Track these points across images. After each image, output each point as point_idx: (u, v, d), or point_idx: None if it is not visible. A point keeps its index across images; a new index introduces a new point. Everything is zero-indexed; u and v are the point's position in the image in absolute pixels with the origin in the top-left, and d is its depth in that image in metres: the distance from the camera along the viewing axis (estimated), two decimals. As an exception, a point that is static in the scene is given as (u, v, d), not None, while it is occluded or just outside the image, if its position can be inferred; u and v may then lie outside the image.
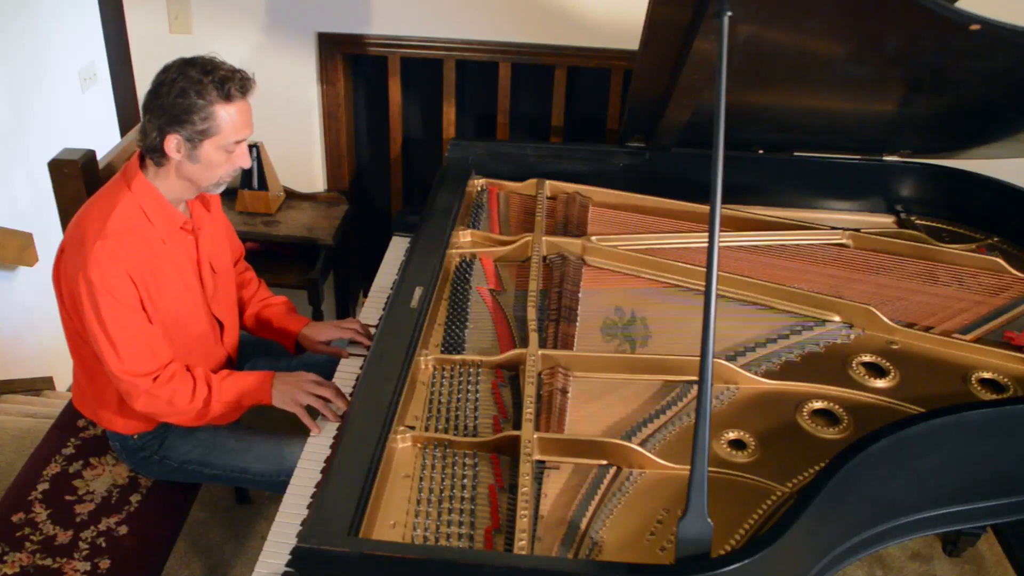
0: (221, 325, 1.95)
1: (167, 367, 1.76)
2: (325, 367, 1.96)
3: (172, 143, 1.66)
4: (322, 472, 1.62)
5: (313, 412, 1.79)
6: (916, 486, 1.62)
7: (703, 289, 1.45)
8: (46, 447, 2.05)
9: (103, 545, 1.83)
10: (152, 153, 1.70)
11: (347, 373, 1.92)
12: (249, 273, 2.16)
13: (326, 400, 1.79)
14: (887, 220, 2.36)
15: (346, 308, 3.19)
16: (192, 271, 1.84)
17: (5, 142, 3.40)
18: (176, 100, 1.63)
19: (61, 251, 1.76)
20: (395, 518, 1.44)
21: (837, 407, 1.69)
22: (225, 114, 1.66)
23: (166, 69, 1.67)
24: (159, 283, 1.75)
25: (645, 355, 1.79)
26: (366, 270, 2.77)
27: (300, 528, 1.46)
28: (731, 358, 1.78)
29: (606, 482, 1.52)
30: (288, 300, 2.14)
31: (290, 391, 1.80)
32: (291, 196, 2.94)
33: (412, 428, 1.59)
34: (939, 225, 2.32)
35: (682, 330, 1.87)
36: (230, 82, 1.65)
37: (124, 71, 2.87)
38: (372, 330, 1.99)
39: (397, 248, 2.33)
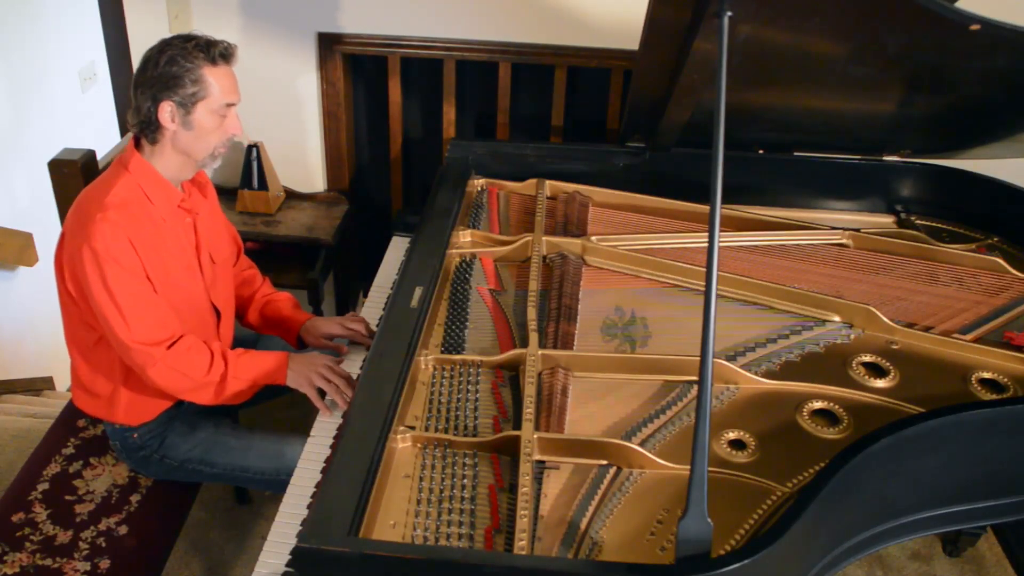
0: (218, 315, 1.95)
1: (182, 338, 1.77)
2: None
3: (166, 111, 1.70)
4: (322, 472, 1.62)
5: (322, 393, 1.81)
6: (916, 486, 1.62)
7: (703, 289, 1.45)
8: (46, 447, 2.05)
9: (103, 545, 1.83)
10: (146, 129, 1.74)
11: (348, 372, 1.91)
12: (253, 270, 2.17)
13: (337, 386, 1.80)
14: (887, 220, 2.36)
15: (346, 308, 3.19)
16: (192, 255, 1.86)
17: (5, 142, 3.40)
18: (164, 69, 1.68)
19: (62, 236, 1.77)
20: (395, 518, 1.44)
21: (837, 407, 1.69)
22: (212, 77, 1.71)
23: (149, 49, 1.73)
24: (161, 258, 1.76)
25: (645, 355, 1.79)
26: (366, 270, 2.76)
27: (300, 528, 1.46)
28: (731, 358, 1.78)
29: (606, 482, 1.52)
30: (293, 296, 2.16)
31: (304, 371, 1.82)
32: (291, 196, 2.94)
33: (412, 428, 1.59)
34: (939, 225, 2.32)
35: (682, 330, 1.87)
36: (214, 47, 1.72)
37: (124, 71, 2.87)
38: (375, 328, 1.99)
39: (397, 248, 2.33)
